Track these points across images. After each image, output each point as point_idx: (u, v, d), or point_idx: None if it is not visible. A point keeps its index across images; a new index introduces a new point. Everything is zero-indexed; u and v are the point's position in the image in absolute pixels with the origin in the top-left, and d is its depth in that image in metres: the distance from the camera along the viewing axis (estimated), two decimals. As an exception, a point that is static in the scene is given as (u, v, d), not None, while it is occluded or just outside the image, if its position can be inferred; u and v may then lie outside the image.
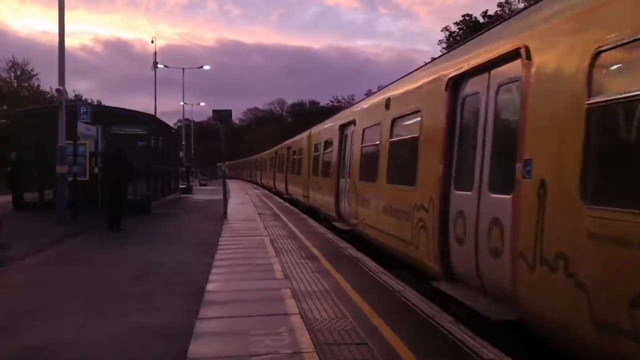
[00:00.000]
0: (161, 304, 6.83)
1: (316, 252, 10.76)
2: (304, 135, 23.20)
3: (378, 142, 10.39)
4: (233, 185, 44.64)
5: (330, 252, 10.79)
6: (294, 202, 24.96)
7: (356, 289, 7.49)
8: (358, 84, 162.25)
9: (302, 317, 6.11)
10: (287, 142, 31.56)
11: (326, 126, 17.98)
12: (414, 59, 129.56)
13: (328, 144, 16.61)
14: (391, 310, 6.45)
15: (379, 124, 10.42)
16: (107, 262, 9.92)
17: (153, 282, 8.18)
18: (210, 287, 7.73)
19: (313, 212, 19.13)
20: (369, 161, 11.21)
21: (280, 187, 32.22)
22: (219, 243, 12.07)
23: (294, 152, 26.11)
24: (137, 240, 12.80)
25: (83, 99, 68.64)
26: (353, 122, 13.13)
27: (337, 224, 13.97)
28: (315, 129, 20.68)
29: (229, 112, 19.12)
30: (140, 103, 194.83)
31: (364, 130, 11.86)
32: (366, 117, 11.86)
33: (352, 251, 10.92)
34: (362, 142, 11.90)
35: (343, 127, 14.53)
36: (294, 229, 14.67)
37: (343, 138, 14.47)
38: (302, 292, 7.31)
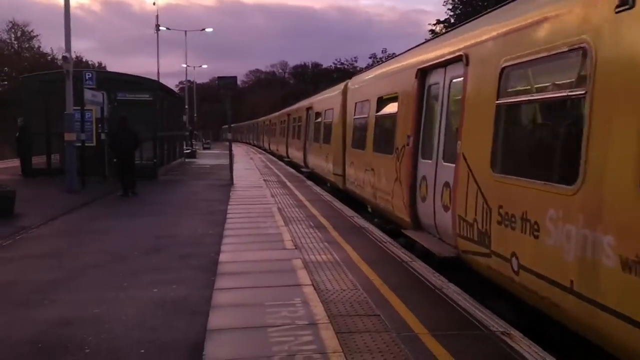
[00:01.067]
0: (178, 276, 7.02)
1: (324, 221, 10.95)
2: (335, 91, 17.57)
3: (583, 92, 4.67)
4: (237, 150, 44.52)
5: (338, 221, 10.98)
6: (318, 179, 19.91)
7: (365, 260, 7.70)
8: (360, 45, 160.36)
9: (314, 289, 6.30)
10: (305, 101, 26.31)
11: (381, 75, 12.39)
12: (417, 20, 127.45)
13: (385, 101, 11.31)
14: (400, 281, 6.65)
15: (579, 47, 4.76)
16: (120, 232, 10.12)
17: (167, 253, 8.37)
18: (222, 257, 7.93)
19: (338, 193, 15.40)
20: (534, 137, 6.09)
21: (296, 156, 27.09)
22: (228, 211, 12.26)
23: (317, 114, 20.82)
24: (147, 209, 12.97)
25: (84, 60, 68.28)
26: (458, 60, 7.54)
27: (418, 238, 8.46)
28: (355, 82, 15.03)
29: (234, 79, 19.04)
30: (140, 63, 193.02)
31: (501, 73, 6.18)
32: (508, 46, 6.14)
33: (360, 220, 11.12)
34: (498, 96, 6.26)
35: (426, 74, 9.08)
36: (301, 197, 14.86)
37: (426, 91, 9.07)
38: (312, 263, 7.51)
